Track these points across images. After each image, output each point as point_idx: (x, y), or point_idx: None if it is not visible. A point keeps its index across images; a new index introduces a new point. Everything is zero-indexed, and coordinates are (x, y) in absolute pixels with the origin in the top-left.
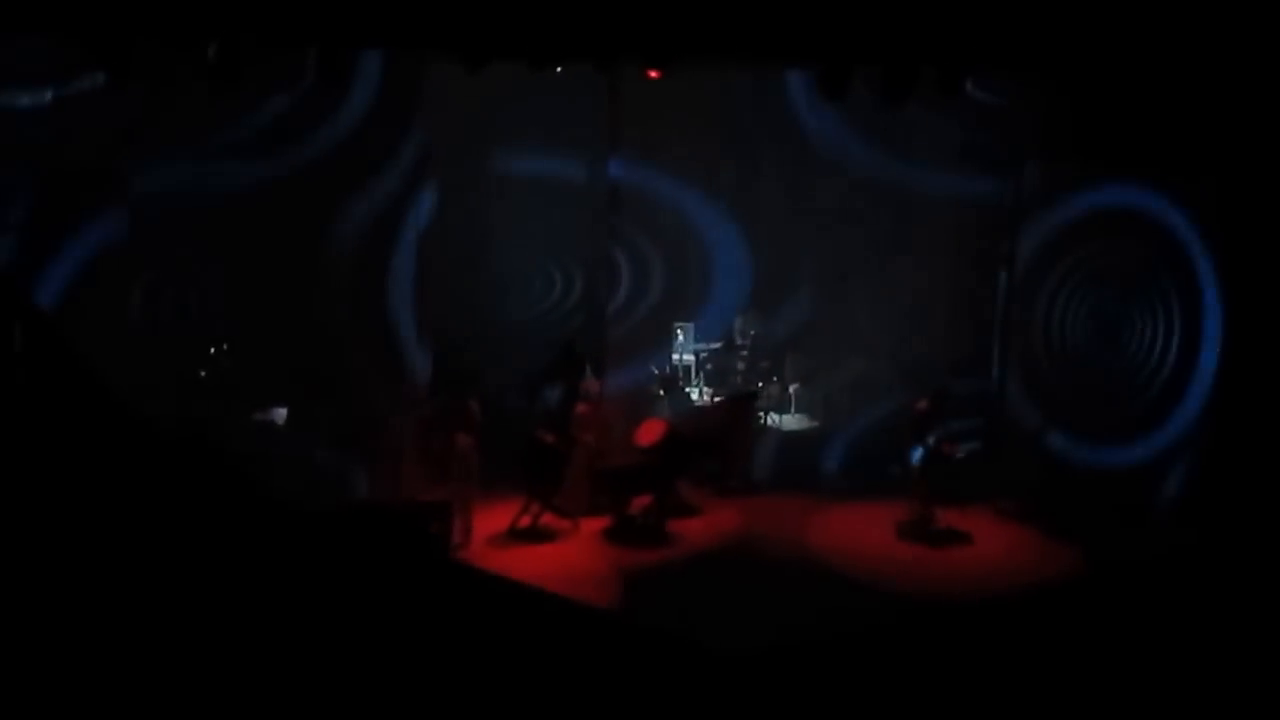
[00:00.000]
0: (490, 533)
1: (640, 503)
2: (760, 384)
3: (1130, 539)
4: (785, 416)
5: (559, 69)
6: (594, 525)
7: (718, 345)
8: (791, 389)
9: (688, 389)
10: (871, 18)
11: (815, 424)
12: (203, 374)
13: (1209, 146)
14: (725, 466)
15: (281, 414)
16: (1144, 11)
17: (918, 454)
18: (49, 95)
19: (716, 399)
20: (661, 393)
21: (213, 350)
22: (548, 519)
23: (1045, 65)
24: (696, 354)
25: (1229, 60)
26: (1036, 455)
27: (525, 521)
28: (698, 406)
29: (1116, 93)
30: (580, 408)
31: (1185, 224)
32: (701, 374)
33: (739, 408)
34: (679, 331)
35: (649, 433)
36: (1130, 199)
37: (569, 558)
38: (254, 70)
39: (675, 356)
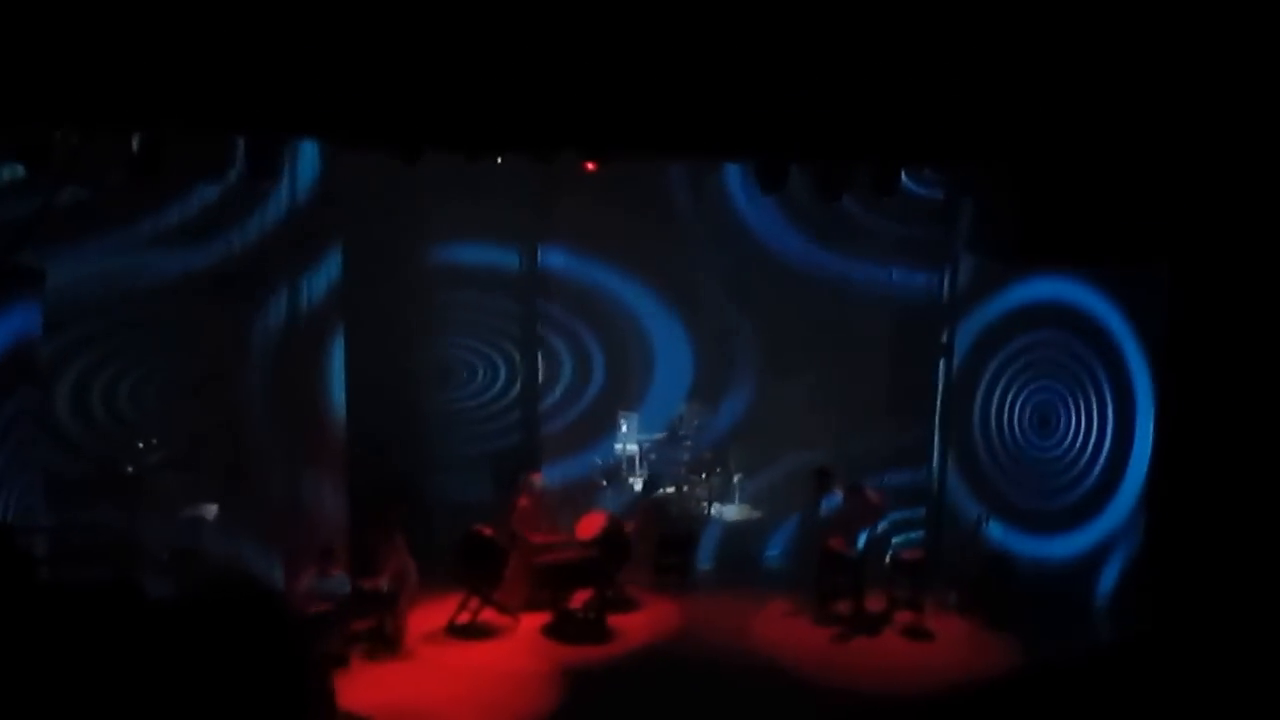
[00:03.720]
0: (428, 629)
1: (581, 597)
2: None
3: (1069, 631)
4: (728, 507)
5: (496, 159)
6: (534, 621)
7: (661, 436)
8: (735, 479)
9: (631, 480)
10: (806, 115)
11: (758, 514)
12: (130, 470)
13: (1140, 241)
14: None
15: (211, 510)
16: (1078, 109)
17: (861, 543)
18: None
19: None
20: (604, 484)
21: (140, 445)
22: (487, 614)
23: (979, 162)
24: (640, 444)
25: (1160, 156)
26: (976, 546)
27: (464, 617)
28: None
29: (1050, 188)
30: (520, 500)
31: (1116, 317)
32: (645, 465)
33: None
34: (622, 422)
35: (590, 526)
36: (1063, 292)
37: (508, 655)
38: (180, 159)
39: (618, 447)
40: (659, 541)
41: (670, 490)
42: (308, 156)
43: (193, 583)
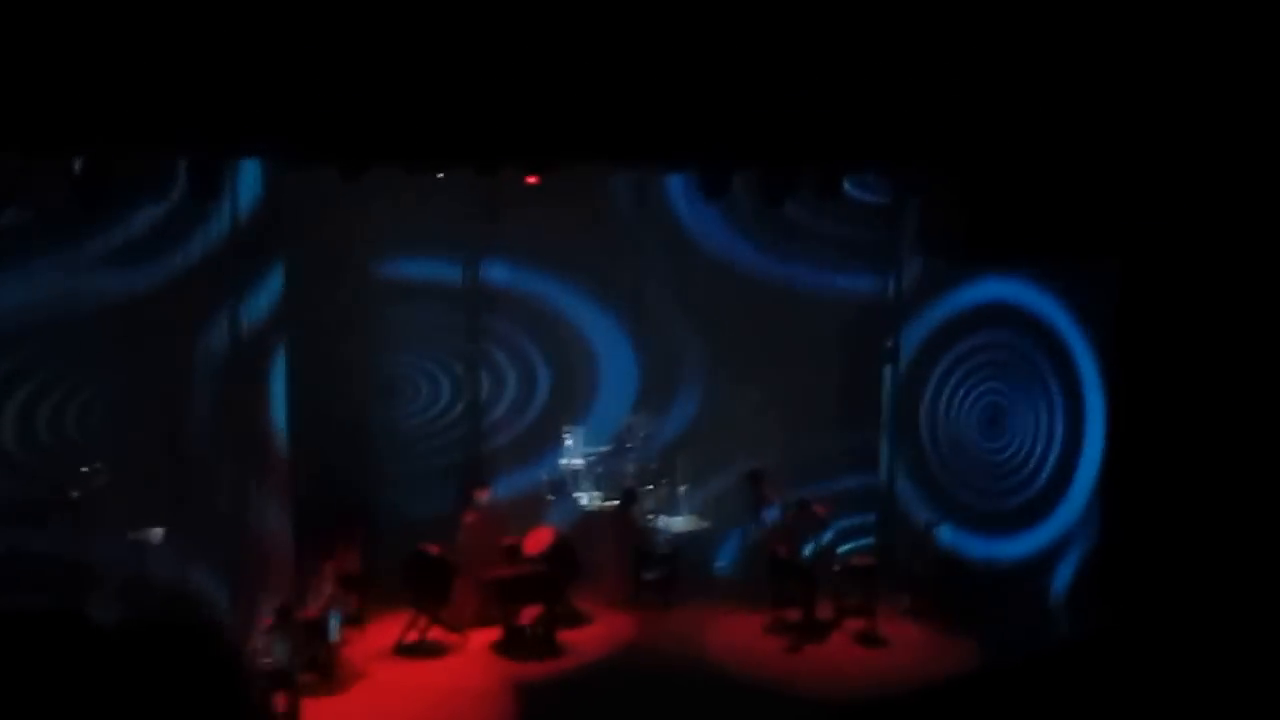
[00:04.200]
0: (376, 649)
1: (530, 613)
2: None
3: (1024, 630)
4: (676, 518)
5: (439, 174)
6: (484, 638)
7: (607, 448)
8: (682, 489)
9: (577, 494)
10: (748, 121)
11: (706, 524)
12: (74, 495)
13: (1087, 239)
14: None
15: (158, 534)
16: (1022, 109)
17: (808, 552)
18: None
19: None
20: (551, 498)
21: (85, 470)
22: (436, 633)
23: (923, 164)
24: (586, 457)
25: (1106, 154)
26: (928, 550)
27: (413, 636)
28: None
29: (996, 188)
30: (467, 517)
31: (1064, 316)
32: (592, 478)
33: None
34: (567, 435)
35: (537, 541)
36: (1010, 293)
37: (458, 672)
38: (123, 181)
39: (564, 460)
40: (637, 557)
41: (614, 502)
42: (250, 174)
43: (138, 608)
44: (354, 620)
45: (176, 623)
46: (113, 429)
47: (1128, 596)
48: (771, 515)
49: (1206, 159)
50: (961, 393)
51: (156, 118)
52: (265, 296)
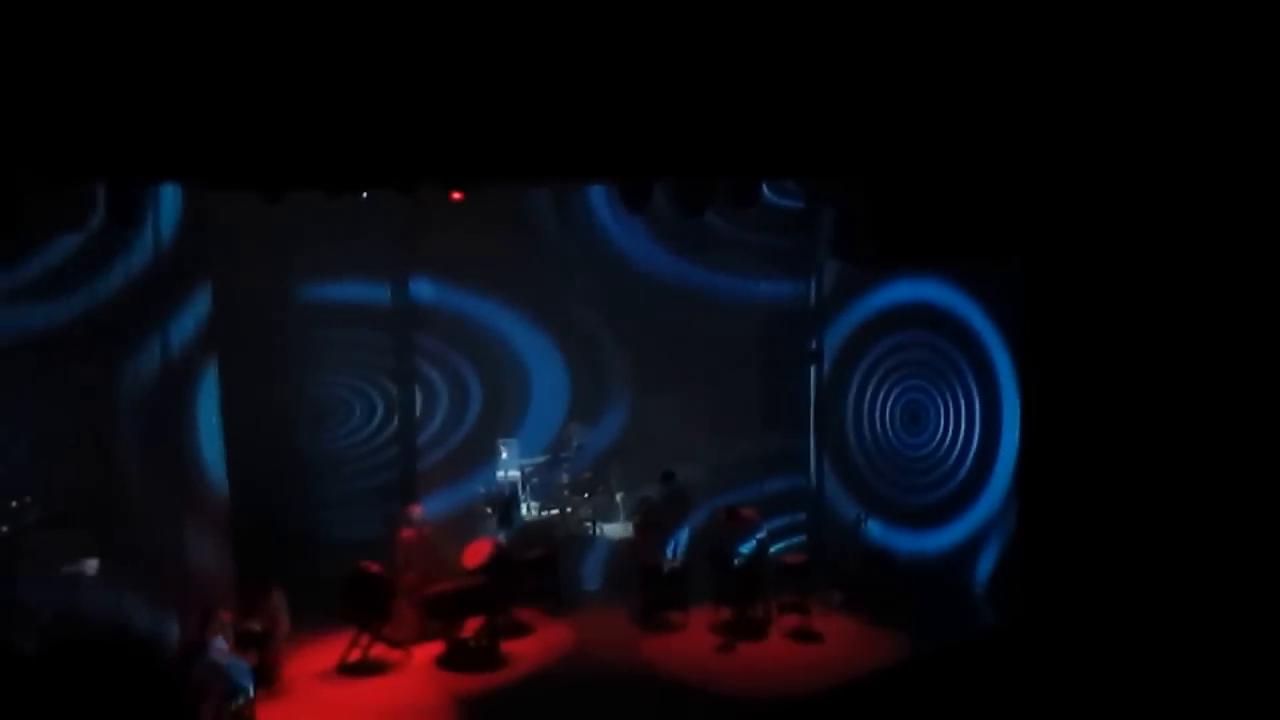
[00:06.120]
0: (319, 669)
1: (473, 625)
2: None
3: (950, 619)
4: (611, 525)
5: (360, 194)
6: (427, 653)
7: (542, 459)
8: (618, 497)
9: (514, 505)
10: (664, 133)
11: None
12: (4, 529)
13: (993, 238)
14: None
15: (92, 566)
16: (924, 116)
17: (743, 551)
18: None
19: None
20: (489, 511)
21: (14, 504)
22: (378, 650)
23: (833, 172)
24: (521, 469)
25: (1007, 157)
26: (856, 546)
27: (355, 655)
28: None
29: (904, 193)
30: (404, 533)
31: (977, 313)
32: (528, 489)
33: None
34: (502, 448)
35: (476, 553)
36: (925, 292)
37: (402, 688)
38: (38, 210)
39: (500, 473)
40: (525, 566)
41: (551, 512)
42: (169, 200)
43: (67, 638)
44: (261, 678)
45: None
46: (41, 463)
47: (1045, 585)
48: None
49: (1103, 158)
50: (883, 391)
51: (72, 145)
52: (192, 322)
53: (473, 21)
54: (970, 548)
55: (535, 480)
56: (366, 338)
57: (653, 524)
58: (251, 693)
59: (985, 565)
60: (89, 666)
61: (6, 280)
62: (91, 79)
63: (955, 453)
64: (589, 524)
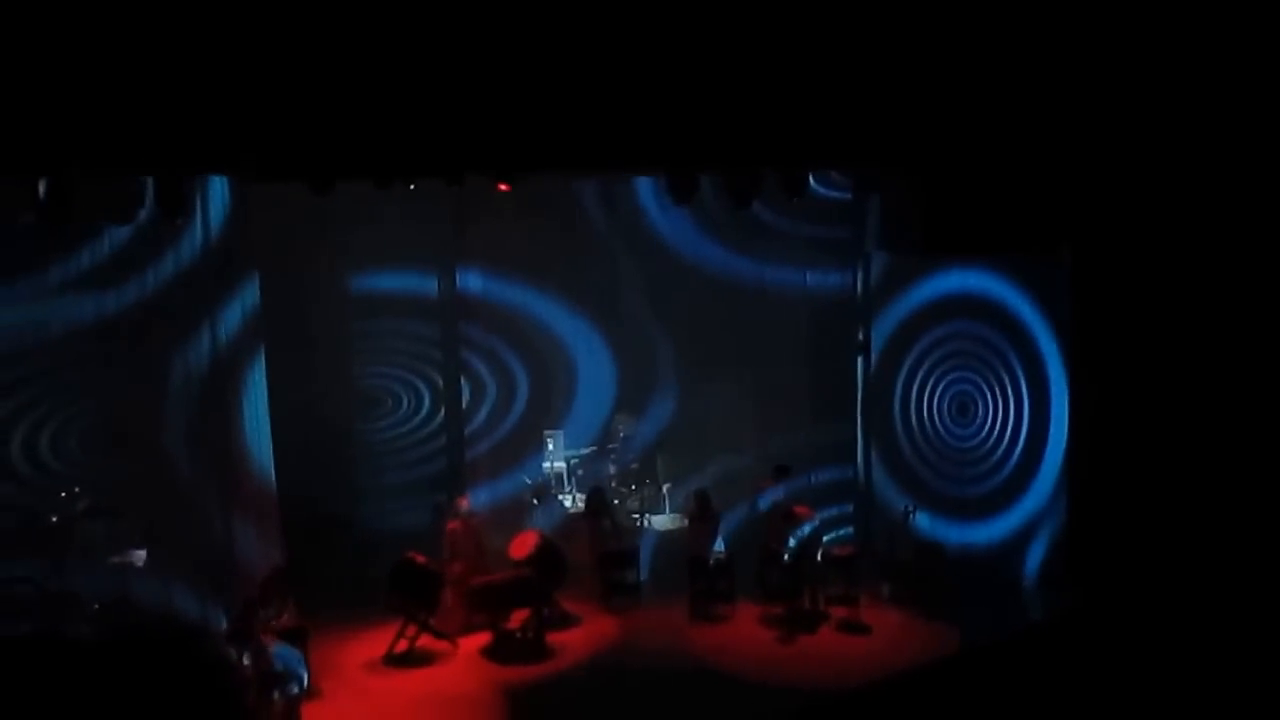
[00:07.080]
0: (365, 659)
1: (519, 617)
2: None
3: (1001, 612)
4: (659, 517)
5: (409, 185)
6: (473, 644)
7: (589, 450)
8: (664, 489)
9: (560, 496)
10: (711, 125)
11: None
12: (55, 520)
13: (1042, 227)
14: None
15: (140, 556)
16: (974, 105)
17: (792, 544)
18: None
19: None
20: (535, 502)
21: (64, 495)
22: (425, 641)
23: (881, 162)
24: (568, 460)
25: (1056, 146)
26: (905, 538)
27: (402, 646)
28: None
29: (953, 182)
30: (451, 524)
31: (1026, 304)
32: (574, 480)
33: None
34: (548, 439)
35: (522, 545)
36: (973, 283)
37: (448, 680)
38: (89, 202)
39: (546, 465)
40: (601, 559)
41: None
42: (218, 191)
43: (119, 628)
44: None
45: (158, 634)
46: (91, 454)
47: (1096, 577)
48: (765, 502)
49: (1149, 151)
50: (931, 382)
51: (122, 138)
52: (240, 312)
53: (521, 14)
54: (1020, 540)
55: (581, 472)
56: (414, 328)
57: (704, 516)
58: (305, 681)
59: (1035, 558)
60: (146, 654)
61: (58, 272)
62: (140, 73)
63: (1004, 444)
64: (636, 516)
